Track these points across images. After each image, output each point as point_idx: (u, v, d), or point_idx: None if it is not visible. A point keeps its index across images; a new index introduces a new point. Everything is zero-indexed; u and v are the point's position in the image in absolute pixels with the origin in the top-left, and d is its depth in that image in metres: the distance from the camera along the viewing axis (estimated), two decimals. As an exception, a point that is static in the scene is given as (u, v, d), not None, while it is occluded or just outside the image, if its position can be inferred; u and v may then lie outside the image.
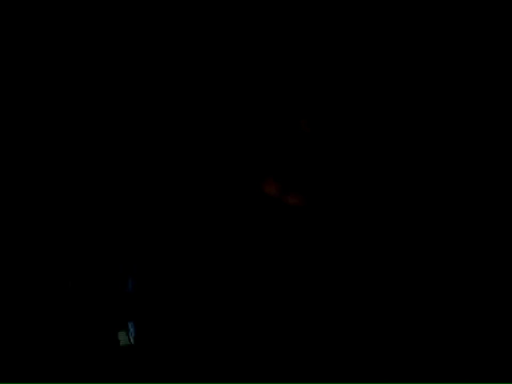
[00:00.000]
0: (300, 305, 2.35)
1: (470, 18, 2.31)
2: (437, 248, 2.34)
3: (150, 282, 2.32)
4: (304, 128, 2.37)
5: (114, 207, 2.34)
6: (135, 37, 2.35)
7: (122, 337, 2.31)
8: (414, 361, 2.25)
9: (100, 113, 2.35)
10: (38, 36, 2.31)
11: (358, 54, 2.36)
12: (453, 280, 2.31)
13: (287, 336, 2.33)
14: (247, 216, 2.37)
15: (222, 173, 2.38)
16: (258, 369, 2.30)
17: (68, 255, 2.31)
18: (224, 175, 2.38)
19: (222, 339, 2.32)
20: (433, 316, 2.29)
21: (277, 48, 2.38)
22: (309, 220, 2.37)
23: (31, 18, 2.30)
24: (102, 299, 2.30)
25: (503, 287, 2.27)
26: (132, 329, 2.31)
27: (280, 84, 2.38)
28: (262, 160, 2.37)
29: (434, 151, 2.37)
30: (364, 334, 2.29)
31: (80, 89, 2.35)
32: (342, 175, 2.37)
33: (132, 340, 2.30)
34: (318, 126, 2.37)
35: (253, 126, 2.38)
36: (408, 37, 2.34)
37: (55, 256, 2.30)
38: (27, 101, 2.33)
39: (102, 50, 2.35)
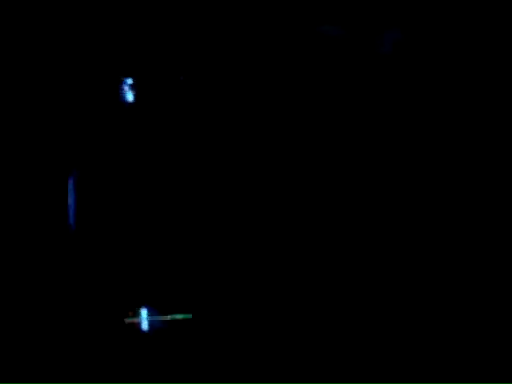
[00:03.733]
0: (299, 305, 2.32)
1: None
2: (435, 247, 2.32)
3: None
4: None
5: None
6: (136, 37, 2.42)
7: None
8: (414, 361, 2.21)
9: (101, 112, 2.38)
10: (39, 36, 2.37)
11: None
12: (453, 279, 2.28)
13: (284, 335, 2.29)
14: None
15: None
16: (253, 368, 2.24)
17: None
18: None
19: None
20: (433, 316, 2.26)
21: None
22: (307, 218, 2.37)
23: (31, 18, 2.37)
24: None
25: (503, 287, 2.24)
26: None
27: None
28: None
29: (434, 150, 2.39)
30: (363, 334, 2.25)
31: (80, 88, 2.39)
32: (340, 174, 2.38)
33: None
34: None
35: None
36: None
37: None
38: (27, 100, 2.36)
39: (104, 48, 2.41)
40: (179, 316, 2.30)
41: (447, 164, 2.36)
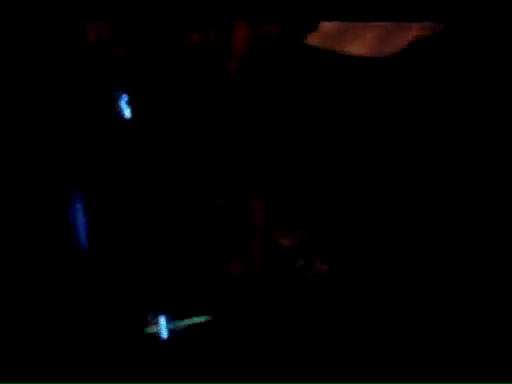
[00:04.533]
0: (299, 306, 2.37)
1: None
2: (436, 248, 2.34)
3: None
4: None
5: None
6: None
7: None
8: (414, 361, 2.25)
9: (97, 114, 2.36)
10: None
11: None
12: (453, 280, 2.31)
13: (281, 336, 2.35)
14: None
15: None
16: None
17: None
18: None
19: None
20: (433, 316, 2.30)
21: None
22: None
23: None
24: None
25: (503, 287, 2.27)
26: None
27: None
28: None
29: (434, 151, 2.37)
30: (363, 334, 2.30)
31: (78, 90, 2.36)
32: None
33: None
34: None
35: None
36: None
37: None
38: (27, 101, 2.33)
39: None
40: (197, 319, 2.40)
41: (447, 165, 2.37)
